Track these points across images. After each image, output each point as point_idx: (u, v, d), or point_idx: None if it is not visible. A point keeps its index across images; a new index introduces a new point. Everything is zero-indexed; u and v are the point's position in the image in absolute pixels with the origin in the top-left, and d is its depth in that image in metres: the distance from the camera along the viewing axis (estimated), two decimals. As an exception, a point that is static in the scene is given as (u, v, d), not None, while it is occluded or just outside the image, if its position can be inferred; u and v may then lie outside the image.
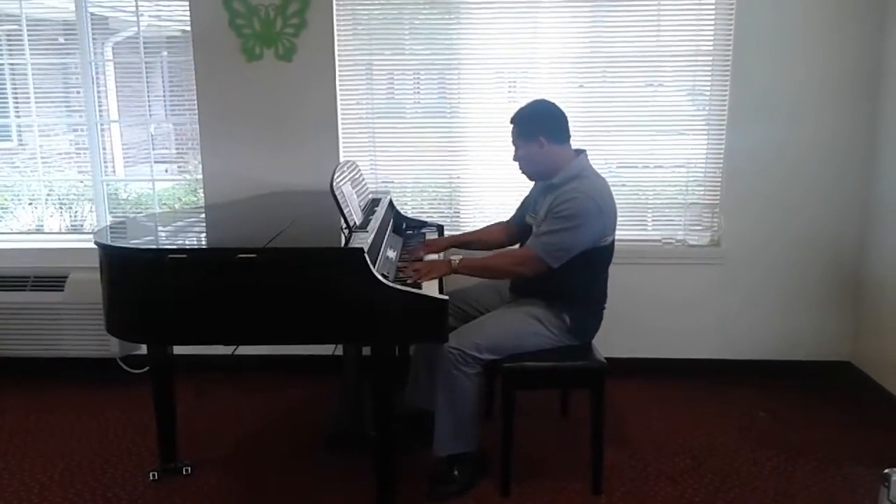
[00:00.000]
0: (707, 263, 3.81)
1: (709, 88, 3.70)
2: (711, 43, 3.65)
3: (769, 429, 3.32)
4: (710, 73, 3.68)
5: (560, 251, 2.66)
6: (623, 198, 3.83)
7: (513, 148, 2.85)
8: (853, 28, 3.54)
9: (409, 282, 2.65)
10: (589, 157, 2.87)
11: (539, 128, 2.77)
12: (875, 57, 3.55)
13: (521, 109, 2.83)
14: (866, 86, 3.58)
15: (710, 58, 3.66)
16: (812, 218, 3.72)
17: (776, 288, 3.80)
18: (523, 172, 2.90)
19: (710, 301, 3.84)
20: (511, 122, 2.85)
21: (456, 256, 2.80)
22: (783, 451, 3.09)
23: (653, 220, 3.90)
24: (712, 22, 3.63)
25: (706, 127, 3.74)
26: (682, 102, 3.78)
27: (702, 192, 3.81)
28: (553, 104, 2.83)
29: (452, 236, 3.35)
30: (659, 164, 3.85)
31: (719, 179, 3.76)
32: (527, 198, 3.10)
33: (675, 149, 3.79)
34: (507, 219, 3.21)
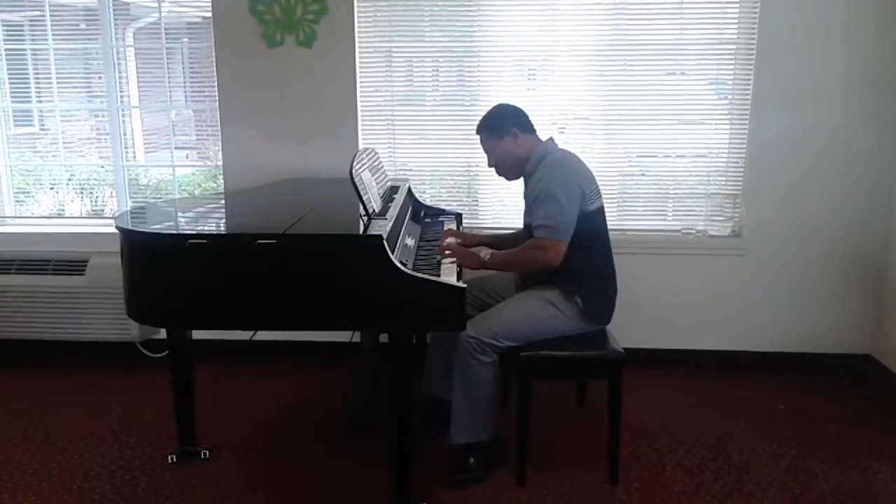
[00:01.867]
0: (728, 254, 3.78)
1: (732, 77, 3.66)
2: (735, 31, 3.60)
3: (788, 421, 3.30)
4: (733, 62, 3.64)
5: (562, 224, 2.68)
6: (643, 187, 3.82)
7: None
8: (880, 17, 3.48)
9: (438, 258, 2.78)
10: (557, 142, 2.94)
11: (509, 122, 2.88)
12: (902, 46, 3.50)
13: (484, 117, 2.94)
14: (892, 75, 3.52)
15: (734, 46, 3.62)
16: (834, 209, 3.68)
17: (797, 280, 3.77)
18: (502, 174, 2.98)
19: (731, 292, 3.80)
20: (478, 131, 2.94)
21: (486, 252, 2.81)
22: (801, 444, 3.07)
23: (673, 210, 3.86)
24: (737, 10, 3.58)
25: (728, 116, 3.70)
26: (704, 91, 3.73)
27: (723, 182, 3.78)
28: (508, 103, 2.96)
29: (486, 235, 3.32)
30: (680, 154, 3.81)
31: (741, 169, 3.73)
32: None
33: (697, 138, 3.75)
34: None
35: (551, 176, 2.74)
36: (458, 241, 3.09)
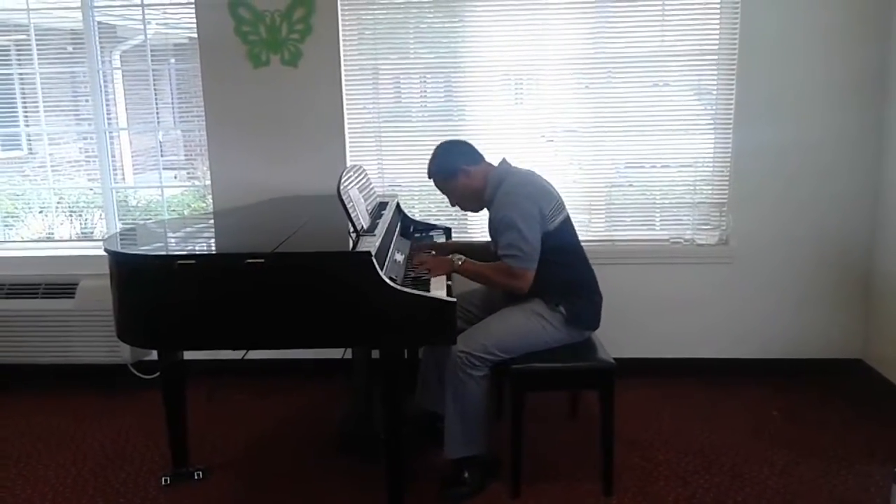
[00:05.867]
0: (716, 263, 3.80)
1: (715, 87, 3.70)
2: (717, 42, 3.64)
3: (780, 428, 3.31)
4: (715, 72, 3.68)
5: (526, 252, 2.68)
6: (631, 197, 3.84)
7: (446, 199, 3.00)
8: (859, 26, 3.53)
9: (414, 274, 2.76)
10: (511, 161, 2.93)
11: (457, 161, 2.88)
12: (882, 54, 3.53)
13: (431, 162, 2.94)
14: (873, 83, 3.57)
15: (716, 57, 3.66)
16: (821, 215, 3.71)
17: (786, 286, 3.79)
18: (467, 210, 3.03)
19: (720, 300, 3.83)
20: (430, 177, 2.96)
21: (460, 257, 2.82)
22: (794, 450, 3.08)
23: (661, 220, 3.89)
24: (717, 21, 3.63)
25: (713, 126, 3.74)
26: (688, 101, 3.77)
27: (710, 192, 3.81)
28: (450, 141, 2.97)
29: (459, 241, 3.36)
30: (666, 164, 3.84)
31: (727, 178, 3.75)
32: None
33: (683, 148, 3.78)
34: None
35: (509, 203, 2.73)
36: (432, 252, 3.11)
